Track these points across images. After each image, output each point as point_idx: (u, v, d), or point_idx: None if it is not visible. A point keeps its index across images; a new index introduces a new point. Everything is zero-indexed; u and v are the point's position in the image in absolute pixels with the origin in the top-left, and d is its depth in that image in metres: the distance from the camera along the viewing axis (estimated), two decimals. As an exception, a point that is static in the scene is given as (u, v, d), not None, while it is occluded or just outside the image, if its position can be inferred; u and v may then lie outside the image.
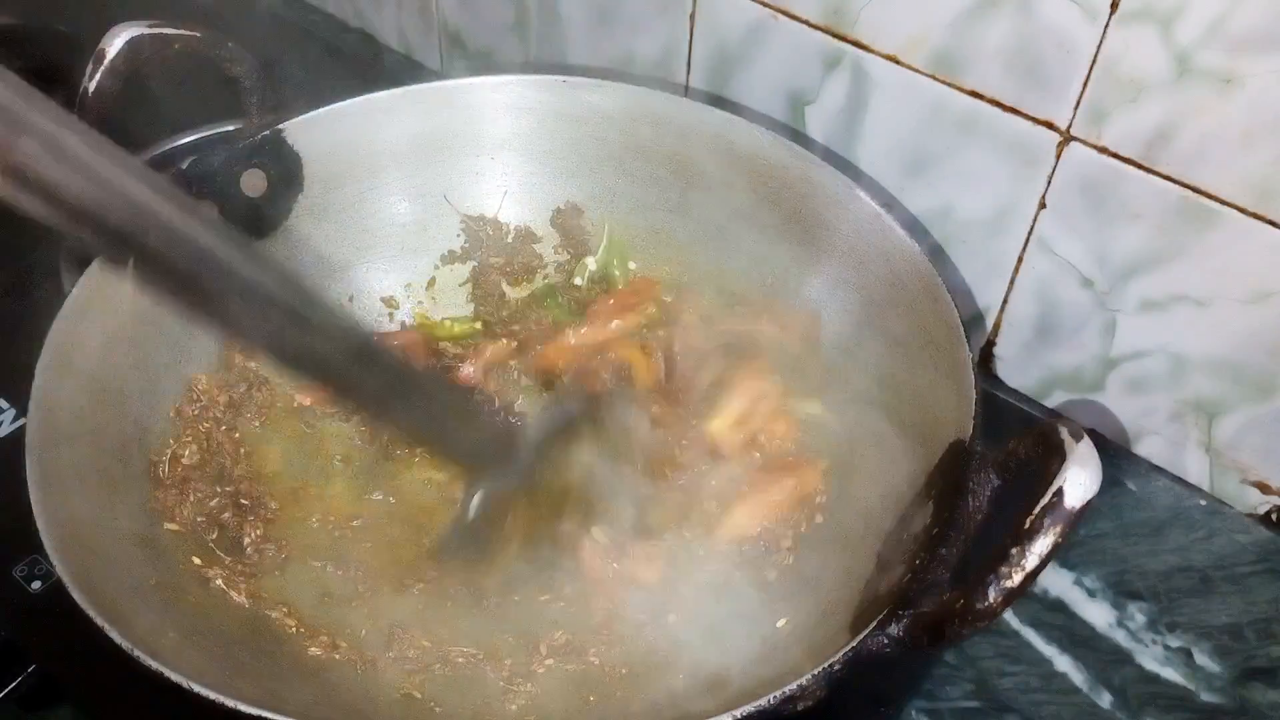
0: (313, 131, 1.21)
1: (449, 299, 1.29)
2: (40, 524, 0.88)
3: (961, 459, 0.93)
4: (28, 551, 1.08)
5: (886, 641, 0.84)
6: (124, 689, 0.96)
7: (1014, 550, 0.74)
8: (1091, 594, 1.13)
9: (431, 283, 1.30)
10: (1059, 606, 1.12)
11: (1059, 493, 0.73)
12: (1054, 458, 0.75)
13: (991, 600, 0.74)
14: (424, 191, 1.28)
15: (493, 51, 1.57)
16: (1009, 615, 1.11)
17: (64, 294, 1.04)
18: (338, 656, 0.99)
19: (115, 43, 1.05)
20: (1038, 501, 0.74)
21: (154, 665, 0.81)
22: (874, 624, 0.84)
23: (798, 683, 0.82)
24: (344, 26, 1.76)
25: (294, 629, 1.00)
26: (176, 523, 1.03)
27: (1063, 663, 1.09)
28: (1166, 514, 1.18)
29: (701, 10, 1.29)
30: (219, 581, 1.01)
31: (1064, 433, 0.77)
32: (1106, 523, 1.17)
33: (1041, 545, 0.73)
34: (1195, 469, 1.20)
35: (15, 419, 1.19)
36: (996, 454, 0.88)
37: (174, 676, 0.80)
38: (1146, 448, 1.22)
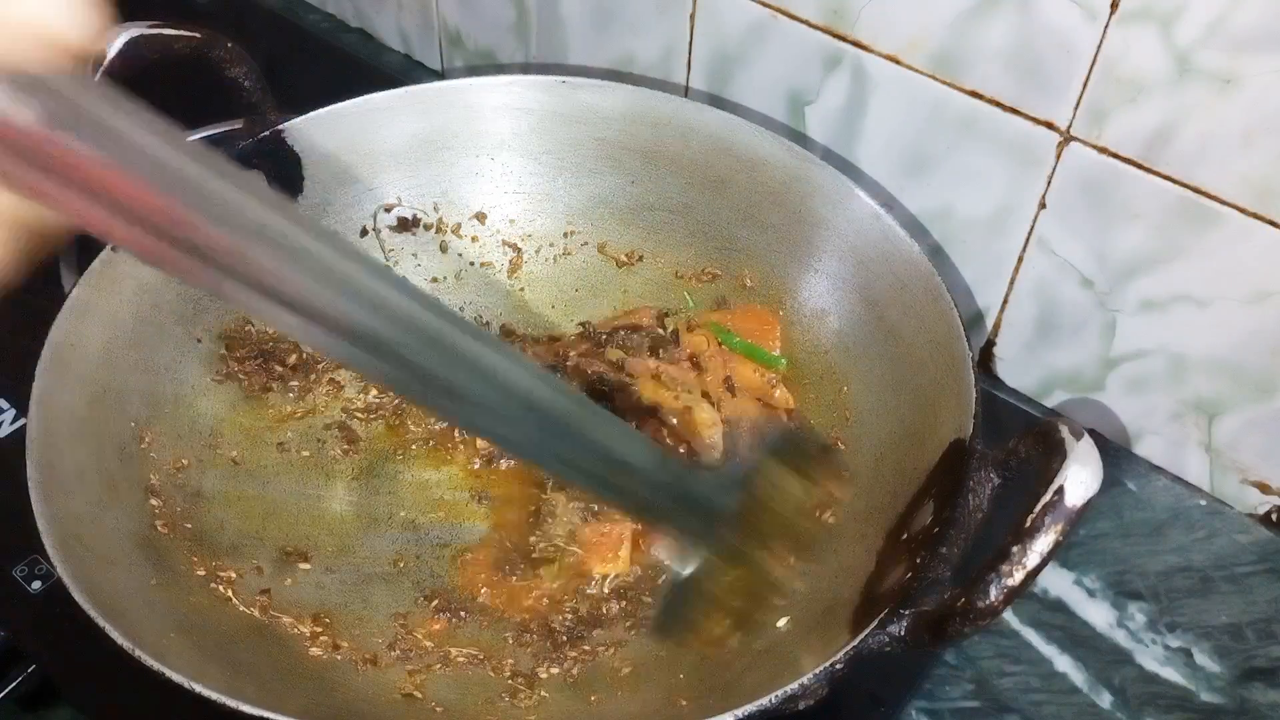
0: (312, 132, 1.21)
1: (450, 298, 1.29)
2: (40, 524, 0.88)
3: (962, 458, 0.93)
4: (28, 551, 1.07)
5: (888, 640, 0.84)
6: (124, 689, 0.96)
7: (1015, 548, 0.74)
8: (1091, 594, 1.13)
9: (434, 280, 1.30)
10: (1059, 606, 1.12)
11: (1060, 491, 0.74)
12: (1055, 456, 0.76)
13: (993, 598, 0.74)
14: (423, 192, 1.28)
15: (493, 51, 1.57)
16: (1009, 615, 1.11)
17: (64, 294, 1.04)
18: (339, 657, 0.99)
19: (115, 43, 1.05)
20: (1038, 500, 0.75)
21: (155, 665, 0.81)
22: (875, 622, 0.84)
23: (799, 681, 0.82)
24: (344, 26, 1.76)
25: (295, 629, 1.00)
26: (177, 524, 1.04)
27: (1063, 663, 1.09)
28: (1166, 514, 1.18)
29: (701, 10, 1.29)
30: (219, 584, 1.01)
31: (1064, 431, 0.77)
32: (1106, 523, 1.17)
33: (1043, 543, 0.73)
34: (1195, 469, 1.20)
35: (15, 419, 1.19)
36: (997, 453, 0.88)
37: (176, 677, 0.80)
38: (1146, 448, 1.22)
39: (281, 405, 1.18)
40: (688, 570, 0.85)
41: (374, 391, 1.21)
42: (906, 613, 0.84)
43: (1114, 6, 1.00)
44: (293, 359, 1.19)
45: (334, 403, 1.20)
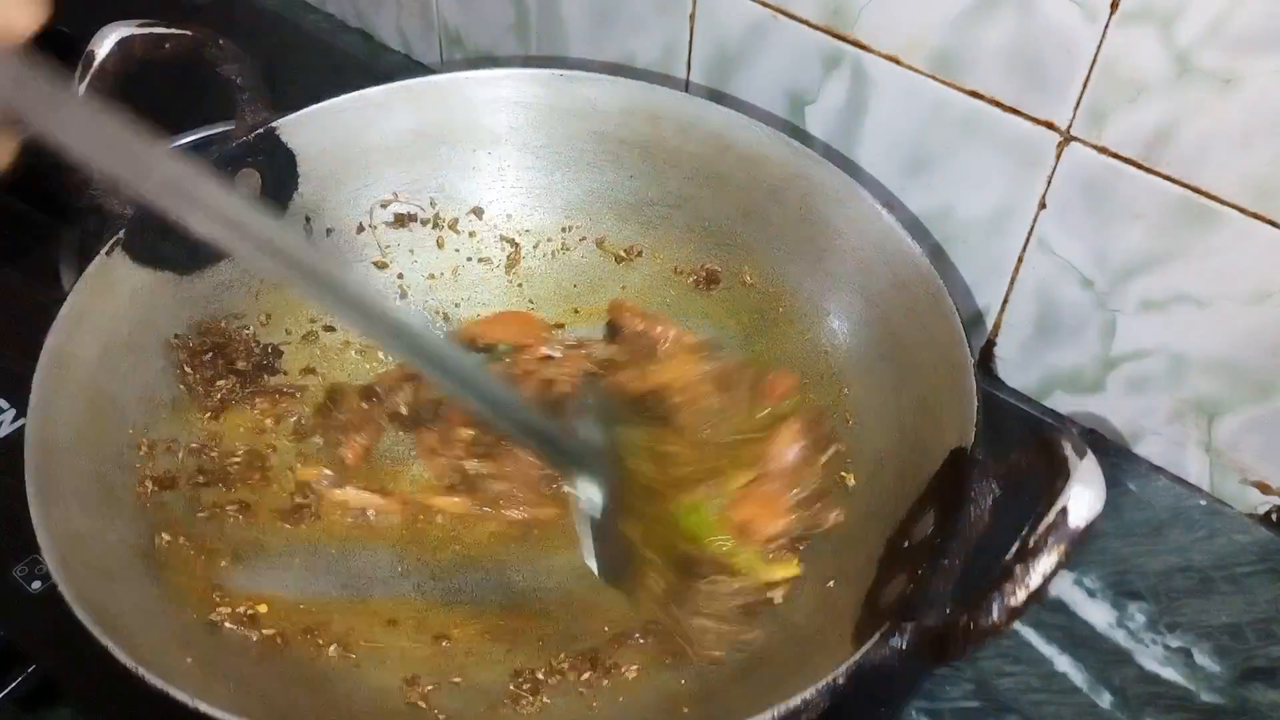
0: (306, 129, 1.20)
1: (447, 294, 1.29)
2: (40, 538, 0.88)
3: (963, 467, 0.93)
4: (28, 551, 1.07)
5: (889, 653, 0.84)
6: (124, 689, 0.96)
7: (1018, 568, 0.74)
8: (1091, 594, 1.13)
9: (431, 277, 1.29)
10: (1059, 606, 1.12)
11: (1063, 512, 0.73)
12: (1058, 475, 0.75)
13: (995, 618, 0.74)
14: (420, 187, 1.28)
15: (493, 51, 1.57)
16: (1009, 615, 1.11)
17: (64, 294, 1.04)
18: (342, 664, 1.00)
19: (105, 44, 1.04)
20: (1041, 518, 0.75)
21: (161, 685, 0.81)
22: (877, 636, 0.84)
23: (801, 697, 0.82)
24: (344, 26, 1.75)
25: (299, 639, 1.00)
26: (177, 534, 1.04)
27: (1063, 663, 1.09)
28: (1166, 514, 1.19)
29: (701, 10, 1.29)
30: (220, 595, 1.01)
31: (1068, 449, 0.77)
32: (1106, 523, 1.15)
33: (1045, 564, 0.73)
34: (1195, 469, 1.20)
35: (15, 419, 1.19)
36: (998, 464, 0.88)
37: (180, 695, 0.80)
38: (1146, 448, 1.22)
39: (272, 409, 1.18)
40: (598, 509, 1.04)
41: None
42: (908, 626, 0.84)
43: (1114, 6, 1.00)
44: (240, 364, 1.18)
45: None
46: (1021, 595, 0.74)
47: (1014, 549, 0.75)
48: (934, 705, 1.06)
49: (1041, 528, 0.74)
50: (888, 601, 0.90)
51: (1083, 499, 0.74)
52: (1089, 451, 0.76)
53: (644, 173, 1.27)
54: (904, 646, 0.83)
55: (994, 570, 0.76)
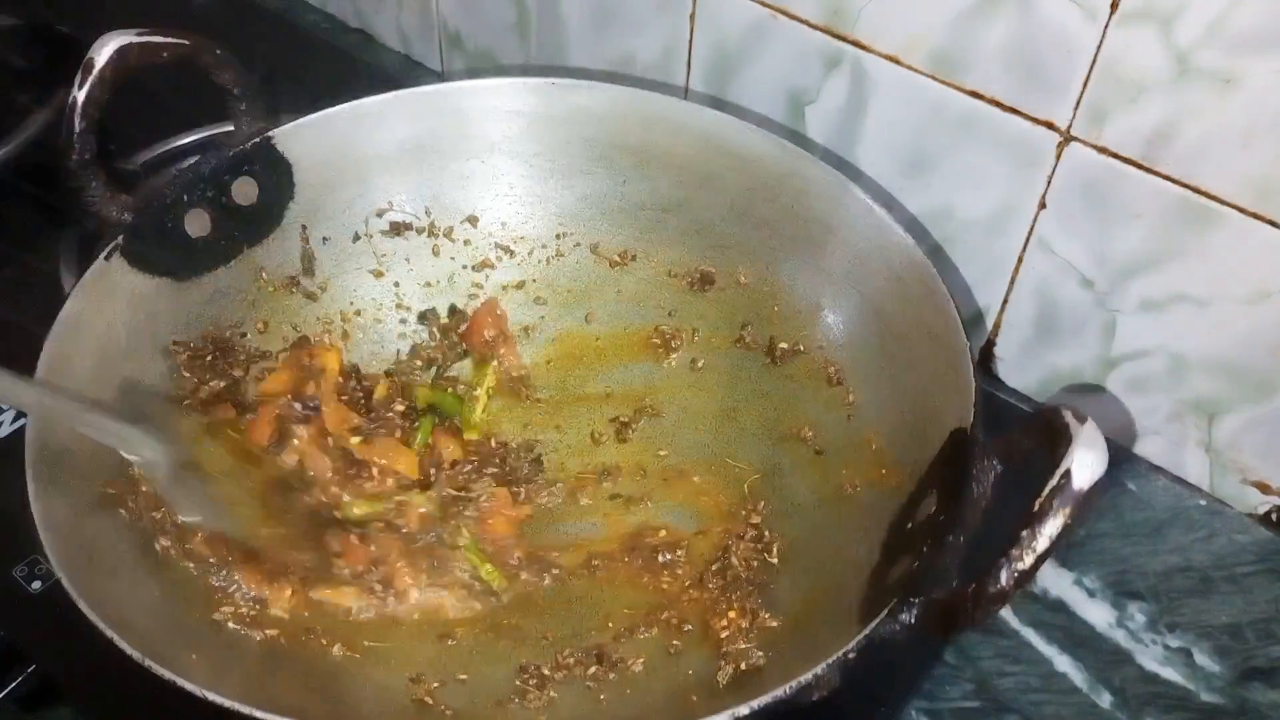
0: (302, 138, 1.20)
1: (443, 302, 1.29)
2: (41, 536, 0.88)
3: (964, 447, 0.93)
4: (28, 551, 1.07)
5: (899, 629, 0.84)
6: (124, 689, 0.96)
7: (1024, 533, 0.74)
8: (1091, 594, 1.13)
9: (428, 285, 1.29)
10: (1059, 606, 1.12)
11: (1067, 475, 0.74)
12: (1060, 441, 0.76)
13: (1004, 583, 0.75)
14: (415, 196, 1.28)
15: (493, 52, 1.57)
16: (1009, 615, 1.11)
17: (64, 296, 1.04)
18: (346, 663, 1.00)
19: (103, 52, 1.04)
20: (1045, 485, 0.75)
21: (169, 675, 0.81)
22: (886, 611, 0.84)
23: (813, 672, 0.82)
24: (344, 27, 1.76)
25: (303, 638, 1.00)
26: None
27: (1063, 663, 1.09)
28: (1166, 514, 1.19)
29: (701, 10, 1.29)
30: (222, 596, 1.01)
31: (1068, 416, 0.77)
32: (1106, 523, 1.17)
33: (1051, 527, 0.74)
34: (1195, 469, 1.20)
35: (15, 419, 1.19)
36: (999, 443, 0.88)
37: (189, 686, 0.80)
38: (1146, 448, 1.22)
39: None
40: None
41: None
42: (916, 601, 0.84)
43: (1114, 6, 1.01)
44: (236, 370, 1.17)
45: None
46: (1029, 559, 0.74)
47: (1018, 517, 0.75)
48: (934, 705, 1.06)
49: (1046, 492, 0.74)
50: (895, 579, 0.91)
51: (1086, 461, 0.74)
52: (1089, 418, 0.77)
53: (636, 177, 1.27)
54: (913, 620, 0.83)
55: (1000, 545, 0.76)
